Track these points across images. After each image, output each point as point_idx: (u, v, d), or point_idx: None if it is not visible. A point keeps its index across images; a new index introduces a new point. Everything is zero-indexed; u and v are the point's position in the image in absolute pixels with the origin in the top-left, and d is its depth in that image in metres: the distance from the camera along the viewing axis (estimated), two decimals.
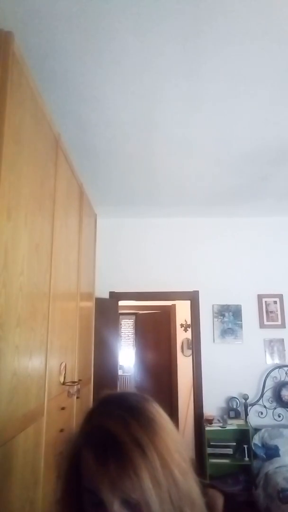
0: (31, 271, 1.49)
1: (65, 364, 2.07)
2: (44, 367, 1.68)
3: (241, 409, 3.64)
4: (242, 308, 3.96)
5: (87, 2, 1.51)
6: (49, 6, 1.53)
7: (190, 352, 4.53)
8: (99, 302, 3.51)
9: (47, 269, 1.74)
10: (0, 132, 1.20)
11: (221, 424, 3.51)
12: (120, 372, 6.50)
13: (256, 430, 3.51)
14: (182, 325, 5.38)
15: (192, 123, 2.36)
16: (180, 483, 0.61)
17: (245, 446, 3.37)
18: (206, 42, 1.71)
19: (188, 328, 5.15)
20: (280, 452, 3.25)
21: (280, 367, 3.77)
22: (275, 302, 3.98)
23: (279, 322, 3.93)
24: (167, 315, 5.58)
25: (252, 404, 3.67)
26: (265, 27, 1.64)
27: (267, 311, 3.96)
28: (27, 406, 1.44)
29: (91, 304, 3.19)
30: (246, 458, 3.35)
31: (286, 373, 3.75)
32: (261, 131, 2.47)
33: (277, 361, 3.83)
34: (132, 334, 7.29)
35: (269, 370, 3.76)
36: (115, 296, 3.99)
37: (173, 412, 4.83)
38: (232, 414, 3.62)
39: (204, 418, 3.61)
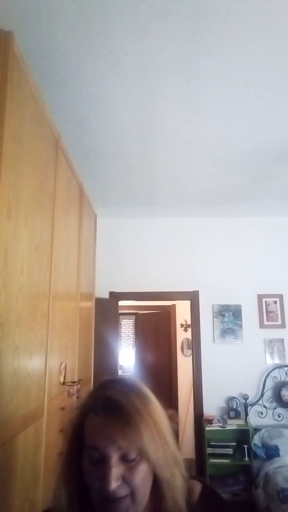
0: (31, 271, 1.49)
1: (65, 364, 2.07)
2: (44, 367, 1.68)
3: (241, 409, 3.64)
4: (242, 308, 3.96)
5: (87, 2, 1.51)
6: (49, 6, 1.53)
7: (190, 352, 4.53)
8: (99, 302, 3.51)
9: (47, 269, 1.73)
10: (0, 132, 1.20)
11: (221, 424, 3.51)
12: (120, 372, 6.47)
13: (256, 430, 3.51)
14: (182, 325, 5.38)
15: (192, 123, 2.36)
16: (171, 445, 0.74)
17: (245, 446, 3.37)
18: (206, 42, 1.71)
19: (188, 328, 5.16)
20: (280, 452, 3.25)
21: (280, 367, 3.77)
22: (275, 302, 3.98)
23: (279, 322, 3.93)
24: (167, 315, 5.57)
25: (252, 404, 3.67)
26: (265, 27, 1.64)
27: (267, 311, 3.96)
28: (27, 406, 1.44)
29: (91, 304, 3.19)
30: (246, 458, 3.35)
31: (286, 373, 3.76)
32: (261, 131, 2.47)
33: (277, 361, 3.83)
34: (132, 334, 7.28)
35: (269, 370, 3.76)
36: (115, 296, 3.99)
37: None
38: (232, 414, 3.62)
39: (204, 418, 3.61)
